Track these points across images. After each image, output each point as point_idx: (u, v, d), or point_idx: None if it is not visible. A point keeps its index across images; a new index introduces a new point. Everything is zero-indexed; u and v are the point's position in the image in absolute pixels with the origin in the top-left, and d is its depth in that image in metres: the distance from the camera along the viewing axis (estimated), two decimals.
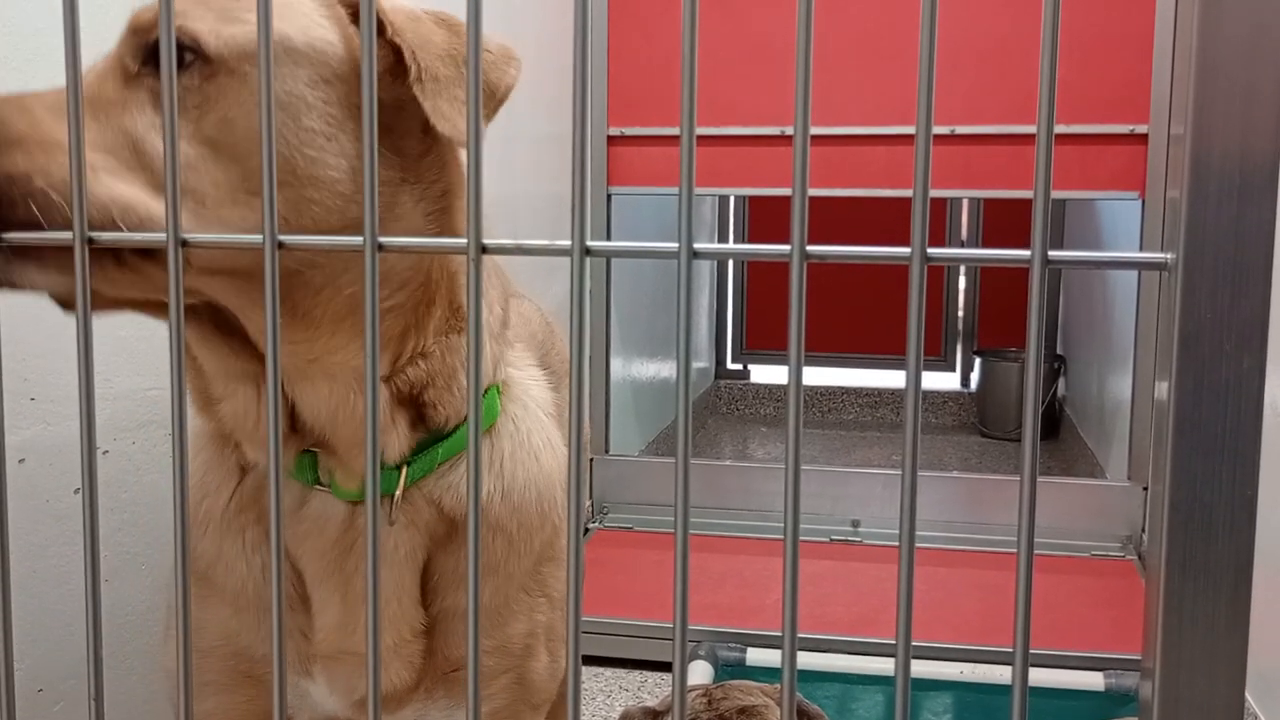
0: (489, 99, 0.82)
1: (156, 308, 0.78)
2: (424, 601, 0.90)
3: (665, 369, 3.64)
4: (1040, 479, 2.84)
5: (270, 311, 0.51)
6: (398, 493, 0.85)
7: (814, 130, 2.59)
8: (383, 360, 0.83)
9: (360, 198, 0.78)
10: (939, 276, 4.47)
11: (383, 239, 0.50)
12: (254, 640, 0.92)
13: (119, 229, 0.69)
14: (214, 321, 0.81)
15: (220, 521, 0.90)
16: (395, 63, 0.81)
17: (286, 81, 0.77)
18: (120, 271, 0.72)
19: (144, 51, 0.75)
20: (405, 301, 0.83)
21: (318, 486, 0.87)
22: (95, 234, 0.53)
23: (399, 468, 0.85)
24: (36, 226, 0.66)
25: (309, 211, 0.77)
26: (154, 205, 0.72)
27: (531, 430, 0.96)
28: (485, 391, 0.89)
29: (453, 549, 0.90)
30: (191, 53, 0.75)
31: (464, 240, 0.49)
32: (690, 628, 2.10)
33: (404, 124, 0.82)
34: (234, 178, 0.75)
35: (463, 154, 0.87)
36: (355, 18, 0.81)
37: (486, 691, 0.94)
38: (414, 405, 0.86)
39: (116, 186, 0.70)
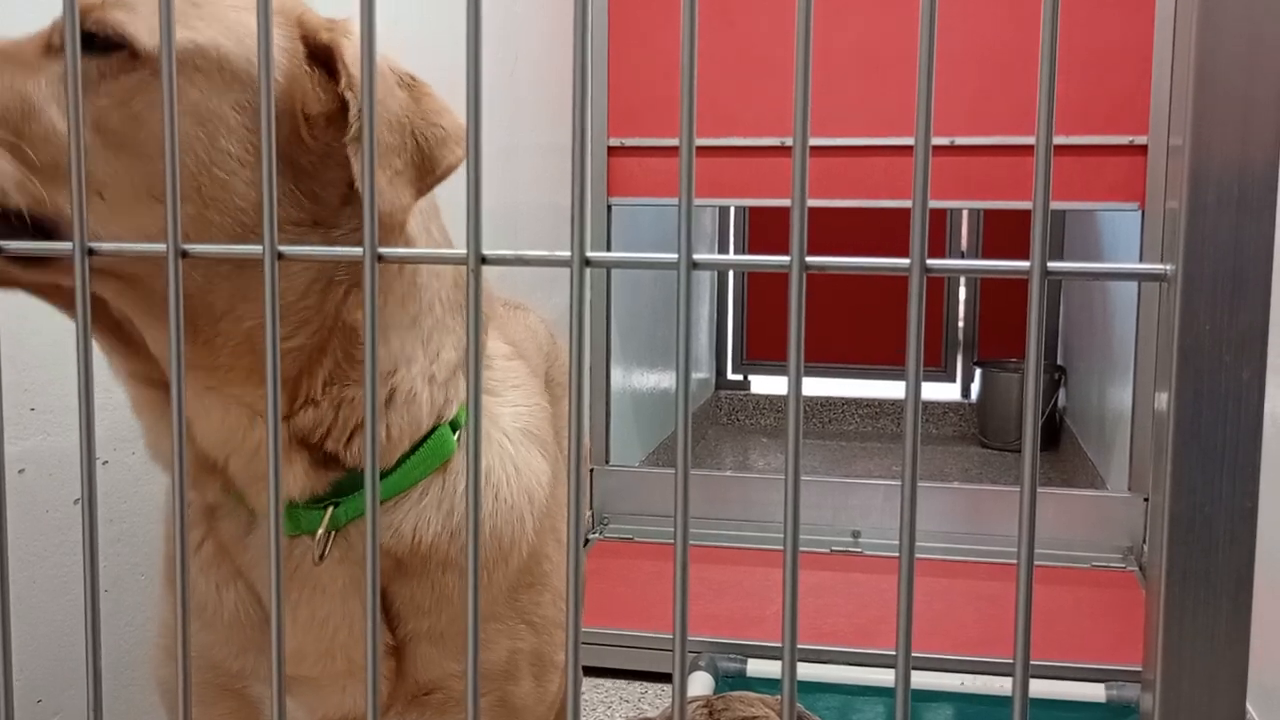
0: (426, 174, 0.81)
1: (51, 295, 0.77)
2: (390, 625, 0.90)
3: (665, 379, 3.64)
4: (1041, 490, 2.84)
5: (174, 323, 0.51)
6: (319, 531, 0.84)
7: (813, 141, 2.60)
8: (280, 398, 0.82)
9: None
10: (939, 287, 4.47)
11: (382, 250, 0.50)
12: (225, 655, 0.92)
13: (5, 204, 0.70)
14: (115, 333, 0.80)
15: (176, 539, 0.91)
16: (338, 111, 0.79)
17: (211, 98, 0.75)
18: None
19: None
20: (304, 344, 0.81)
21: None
22: (95, 244, 0.53)
23: (325, 508, 0.85)
24: None
25: (206, 233, 0.75)
26: (42, 190, 0.71)
27: (492, 465, 0.93)
28: (434, 430, 0.87)
29: (405, 581, 0.89)
30: (119, 47, 0.74)
31: (463, 251, 0.49)
32: (690, 639, 2.09)
33: (330, 172, 0.80)
34: (136, 178, 0.74)
35: (411, 224, 0.86)
36: (312, 58, 0.80)
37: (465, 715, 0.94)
38: (319, 448, 0.84)
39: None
